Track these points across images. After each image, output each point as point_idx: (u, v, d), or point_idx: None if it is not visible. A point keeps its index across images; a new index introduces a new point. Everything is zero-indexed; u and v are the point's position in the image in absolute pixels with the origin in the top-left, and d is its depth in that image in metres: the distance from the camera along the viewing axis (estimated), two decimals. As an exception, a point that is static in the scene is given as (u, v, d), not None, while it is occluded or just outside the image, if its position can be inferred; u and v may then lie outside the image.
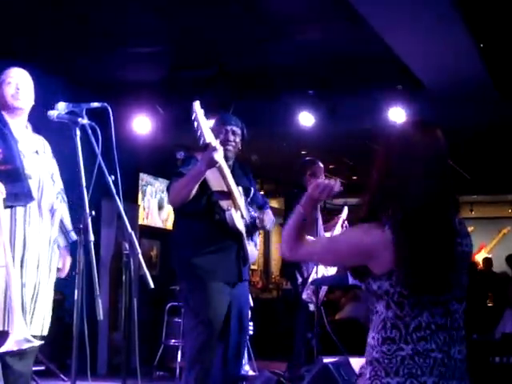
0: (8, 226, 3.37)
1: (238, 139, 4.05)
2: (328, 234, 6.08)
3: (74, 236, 3.69)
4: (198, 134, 3.65)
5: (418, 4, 5.16)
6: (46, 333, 3.53)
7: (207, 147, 3.66)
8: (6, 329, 3.24)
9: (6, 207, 3.34)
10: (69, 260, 3.71)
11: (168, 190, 3.97)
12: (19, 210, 3.41)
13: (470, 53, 5.98)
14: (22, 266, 3.40)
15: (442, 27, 5.49)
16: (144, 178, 8.76)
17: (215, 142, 3.68)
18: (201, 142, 3.68)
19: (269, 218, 4.18)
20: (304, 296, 6.00)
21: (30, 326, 3.41)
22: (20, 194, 3.39)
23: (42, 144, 3.67)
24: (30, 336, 3.20)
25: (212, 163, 3.69)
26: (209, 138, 3.67)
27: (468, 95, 6.87)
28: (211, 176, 3.84)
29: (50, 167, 3.67)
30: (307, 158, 6.42)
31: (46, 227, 3.53)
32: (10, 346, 3.12)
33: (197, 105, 3.65)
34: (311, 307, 5.98)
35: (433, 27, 5.50)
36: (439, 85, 6.76)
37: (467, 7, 5.27)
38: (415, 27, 5.53)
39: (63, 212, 3.66)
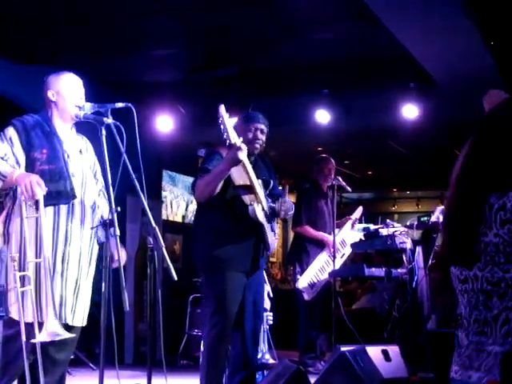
0: (51, 222, 3.43)
1: (264, 138, 4.13)
2: (336, 231, 6.24)
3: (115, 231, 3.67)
4: (224, 136, 3.73)
5: (430, 3, 5.21)
6: (85, 323, 3.59)
7: (232, 146, 3.75)
8: (39, 320, 3.29)
9: (49, 205, 3.40)
10: (120, 250, 3.45)
11: (193, 186, 4.04)
12: (63, 207, 3.46)
13: (480, 51, 6.02)
14: (63, 261, 3.45)
15: (453, 25, 5.54)
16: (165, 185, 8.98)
17: (239, 142, 3.75)
18: (227, 143, 3.77)
19: (287, 205, 4.24)
20: (297, 284, 6.17)
21: (73, 319, 3.48)
22: (63, 192, 3.45)
23: (85, 144, 3.73)
24: (60, 328, 3.26)
25: (235, 162, 3.79)
26: (234, 139, 3.75)
27: (479, 92, 6.92)
28: (234, 171, 3.93)
29: (93, 166, 3.73)
30: (320, 156, 6.66)
31: (87, 223, 3.58)
32: (43, 337, 3.19)
33: (222, 108, 3.73)
34: (305, 296, 6.13)
35: (444, 25, 5.54)
36: (451, 82, 6.78)
37: (478, 6, 5.34)
38: (427, 26, 5.58)
39: (104, 208, 3.70)
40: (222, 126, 3.73)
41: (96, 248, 3.68)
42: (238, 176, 3.99)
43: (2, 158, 3.43)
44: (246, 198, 4.00)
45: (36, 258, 3.36)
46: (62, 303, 3.46)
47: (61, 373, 3.61)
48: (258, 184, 4.06)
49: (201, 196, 4.01)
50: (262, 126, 4.13)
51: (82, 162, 3.65)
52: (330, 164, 6.49)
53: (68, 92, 3.60)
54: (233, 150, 3.76)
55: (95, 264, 3.69)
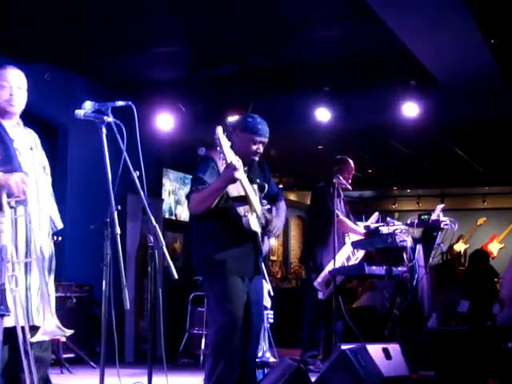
0: (10, 223, 3.33)
1: (262, 148, 4.11)
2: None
3: (59, 225, 3.66)
4: (221, 156, 3.74)
5: (431, 2, 5.25)
6: None
7: (228, 165, 3.75)
8: (31, 323, 3.28)
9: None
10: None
11: (188, 198, 4.04)
12: (20, 208, 3.35)
13: (480, 49, 6.07)
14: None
15: (453, 24, 5.60)
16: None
17: (235, 161, 3.75)
18: (222, 162, 3.77)
19: (279, 222, 4.25)
20: (315, 283, 6.14)
21: (39, 318, 3.37)
22: None
23: (33, 139, 3.63)
24: (60, 325, 3.25)
25: (232, 181, 3.80)
26: (230, 158, 3.75)
27: (479, 90, 6.95)
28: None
29: (42, 162, 3.63)
30: (339, 156, 6.55)
31: (44, 221, 3.52)
32: (41, 336, 3.18)
33: (219, 130, 3.73)
34: (320, 295, 6.10)
35: (445, 24, 5.59)
36: (451, 80, 6.83)
37: (478, 5, 5.37)
38: (428, 25, 5.62)
39: (51, 203, 3.65)
40: (218, 148, 3.75)
41: (51, 244, 3.62)
42: (233, 188, 3.99)
43: None
44: (241, 210, 4.00)
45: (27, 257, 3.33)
46: (28, 305, 3.38)
47: (42, 373, 3.52)
48: (252, 192, 4.08)
49: (195, 209, 4.03)
50: (266, 140, 4.11)
51: (33, 159, 3.58)
52: (349, 166, 6.42)
53: None
54: (229, 169, 3.77)
55: (54, 260, 3.63)
